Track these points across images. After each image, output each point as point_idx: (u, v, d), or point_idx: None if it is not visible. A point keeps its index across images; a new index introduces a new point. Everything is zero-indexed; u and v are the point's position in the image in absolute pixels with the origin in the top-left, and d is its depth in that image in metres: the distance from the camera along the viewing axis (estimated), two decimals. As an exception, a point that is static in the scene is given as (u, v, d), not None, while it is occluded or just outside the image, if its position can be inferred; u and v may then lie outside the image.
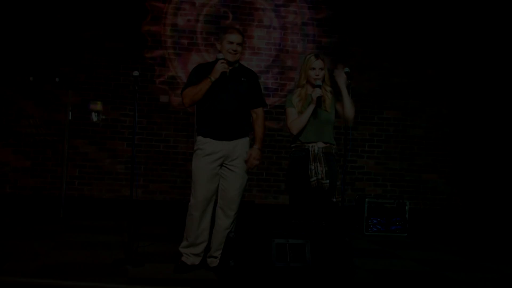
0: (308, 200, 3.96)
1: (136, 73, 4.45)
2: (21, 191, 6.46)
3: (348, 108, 3.97)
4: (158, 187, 6.72)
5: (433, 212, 7.17)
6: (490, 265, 5.00)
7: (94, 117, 6.67)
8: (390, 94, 7.23)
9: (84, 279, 3.80)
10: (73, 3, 6.60)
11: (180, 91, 4.15)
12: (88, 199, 6.57)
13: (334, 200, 4.03)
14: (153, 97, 6.77)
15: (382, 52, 7.21)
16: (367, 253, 5.30)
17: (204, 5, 6.90)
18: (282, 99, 6.91)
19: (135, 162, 4.44)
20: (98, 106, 6.66)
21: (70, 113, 6.49)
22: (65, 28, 6.59)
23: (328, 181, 3.90)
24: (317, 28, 7.11)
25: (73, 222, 6.19)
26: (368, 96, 7.17)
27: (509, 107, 7.03)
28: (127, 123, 6.69)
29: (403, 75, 7.25)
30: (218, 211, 4.14)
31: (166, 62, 6.81)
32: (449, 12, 7.29)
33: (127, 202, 5.41)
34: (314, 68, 4.00)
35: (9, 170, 6.46)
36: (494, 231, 6.95)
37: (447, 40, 7.31)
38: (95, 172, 6.63)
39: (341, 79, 3.93)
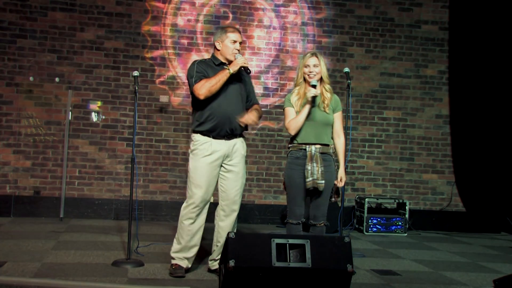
0: (305, 200, 3.96)
1: (136, 73, 4.45)
2: (21, 191, 6.45)
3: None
4: (158, 187, 6.72)
5: (433, 212, 7.17)
6: (490, 265, 5.00)
7: (94, 117, 6.67)
8: (390, 94, 7.22)
9: (84, 279, 3.80)
10: (73, 3, 6.61)
11: (189, 86, 4.00)
12: (88, 199, 6.57)
13: (333, 200, 4.03)
14: (153, 97, 6.76)
15: (382, 52, 7.21)
16: (367, 253, 5.29)
17: (204, 5, 6.90)
18: (282, 99, 6.89)
19: (135, 162, 4.44)
20: (98, 106, 6.66)
21: (70, 113, 6.49)
22: (65, 28, 6.59)
23: (323, 181, 3.87)
24: (317, 28, 7.10)
25: (73, 222, 6.19)
26: (368, 96, 7.17)
27: (509, 106, 7.03)
28: (127, 123, 6.69)
29: (403, 75, 7.25)
30: (219, 212, 4.08)
31: (166, 62, 6.80)
32: (449, 9, 7.29)
33: (127, 202, 5.41)
34: (308, 65, 3.98)
35: (9, 170, 6.46)
36: (493, 231, 6.95)
37: (448, 39, 7.31)
38: (95, 172, 6.63)
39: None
